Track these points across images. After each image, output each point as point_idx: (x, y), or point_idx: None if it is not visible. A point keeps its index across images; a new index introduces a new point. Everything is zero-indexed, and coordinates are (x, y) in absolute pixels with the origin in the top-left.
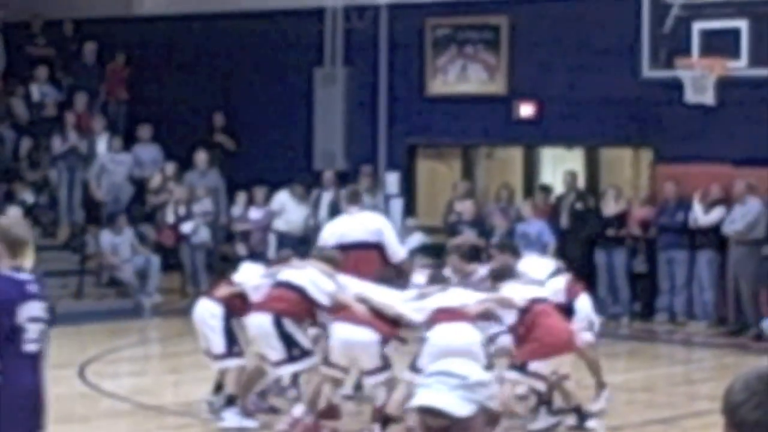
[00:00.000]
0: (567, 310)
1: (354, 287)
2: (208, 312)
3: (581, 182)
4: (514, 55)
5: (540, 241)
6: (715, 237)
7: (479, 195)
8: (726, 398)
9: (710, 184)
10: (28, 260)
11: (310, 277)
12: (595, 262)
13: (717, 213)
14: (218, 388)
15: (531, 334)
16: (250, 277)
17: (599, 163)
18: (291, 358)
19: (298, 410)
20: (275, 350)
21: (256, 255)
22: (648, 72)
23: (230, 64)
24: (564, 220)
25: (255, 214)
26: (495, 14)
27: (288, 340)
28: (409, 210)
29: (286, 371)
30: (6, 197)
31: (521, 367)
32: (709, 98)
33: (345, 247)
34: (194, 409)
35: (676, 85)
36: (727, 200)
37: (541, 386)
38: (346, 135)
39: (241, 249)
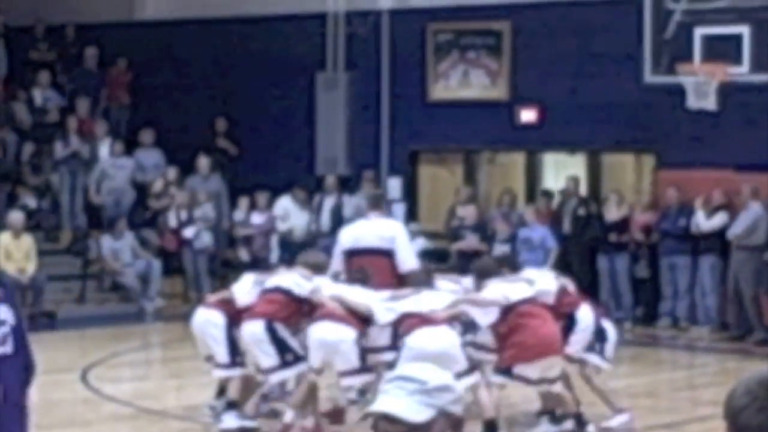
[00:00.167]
0: (569, 319)
1: (329, 289)
2: (208, 321)
3: (583, 188)
4: (516, 61)
5: (543, 247)
6: (717, 242)
7: (481, 200)
8: (728, 403)
9: (712, 190)
10: None
11: (292, 279)
12: (598, 268)
13: (719, 218)
14: (221, 392)
15: (515, 335)
16: (245, 288)
17: (601, 168)
18: (284, 364)
19: (289, 416)
20: (269, 356)
21: (259, 260)
22: (650, 78)
23: (232, 69)
24: (566, 226)
25: (257, 219)
26: (497, 20)
27: (281, 346)
28: (412, 215)
29: (280, 377)
30: (8, 202)
31: (506, 370)
32: (710, 104)
33: (358, 252)
34: (196, 414)
35: (678, 91)
36: (730, 206)
37: (527, 388)
38: (348, 140)
39: (243, 254)
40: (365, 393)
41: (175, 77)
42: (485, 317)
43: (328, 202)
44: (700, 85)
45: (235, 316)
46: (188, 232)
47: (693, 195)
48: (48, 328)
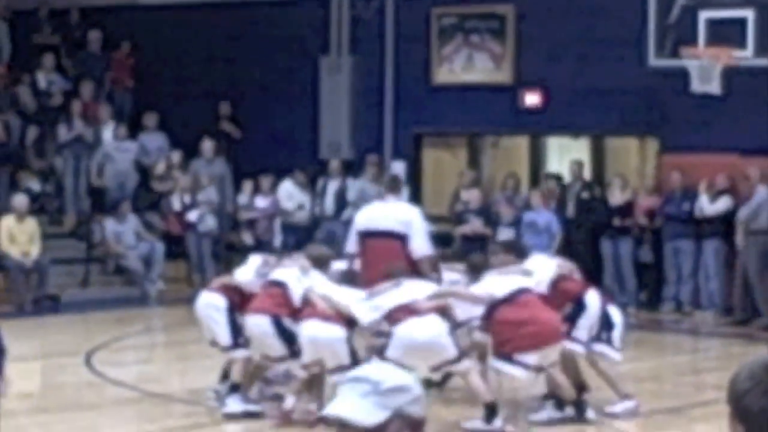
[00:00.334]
0: (577, 305)
1: (320, 287)
2: (210, 305)
3: (587, 172)
4: (520, 44)
5: (548, 231)
6: (721, 226)
7: (485, 184)
8: (731, 387)
9: (716, 174)
10: None
11: (293, 274)
12: (601, 252)
13: (723, 203)
14: (225, 376)
15: (513, 325)
16: (249, 273)
17: (605, 152)
18: (293, 354)
19: (290, 401)
20: (276, 349)
21: (262, 243)
22: (654, 61)
23: (236, 52)
24: (570, 210)
25: (261, 202)
26: (501, 3)
27: (288, 338)
28: (415, 199)
29: (289, 366)
30: (12, 185)
31: (507, 356)
32: (715, 88)
33: (372, 234)
34: (201, 397)
35: (683, 75)
36: (733, 190)
37: (524, 375)
38: (351, 124)
39: (247, 237)
40: None
41: (179, 61)
42: (467, 313)
43: (332, 186)
44: (705, 68)
45: (237, 301)
46: (192, 216)
47: (697, 179)
48: (52, 311)
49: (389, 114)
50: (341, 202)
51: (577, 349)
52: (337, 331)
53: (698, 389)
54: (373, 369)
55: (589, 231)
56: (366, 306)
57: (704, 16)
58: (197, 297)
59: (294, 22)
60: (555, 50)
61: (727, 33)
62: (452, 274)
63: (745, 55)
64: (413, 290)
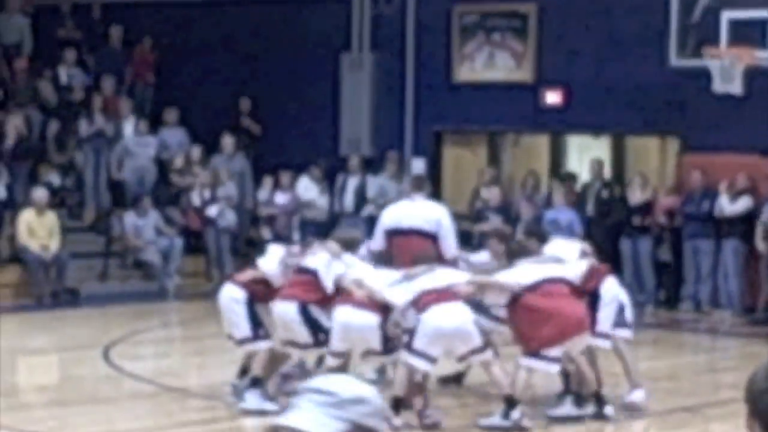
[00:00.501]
0: (592, 295)
1: (354, 270)
2: (231, 298)
3: (607, 171)
4: (541, 43)
5: (570, 230)
6: (741, 226)
7: (505, 182)
8: (749, 386)
9: (737, 174)
10: None
11: (323, 261)
12: (621, 251)
13: (743, 203)
14: (244, 371)
15: (538, 317)
16: (273, 262)
17: (626, 151)
18: (318, 343)
19: None
20: (302, 336)
21: (282, 239)
22: (676, 61)
23: (257, 48)
24: (590, 208)
25: (281, 198)
26: (523, 2)
27: (314, 326)
28: (435, 196)
29: (314, 354)
30: (32, 179)
31: (535, 353)
32: (736, 88)
33: (400, 232)
34: (218, 392)
35: (704, 75)
36: (754, 190)
37: (556, 369)
38: (372, 121)
39: (266, 233)
40: (383, 372)
41: (199, 56)
42: (496, 298)
43: (352, 183)
44: (726, 68)
45: (261, 293)
46: (211, 211)
47: (717, 179)
48: (71, 305)
49: (410, 111)
50: (361, 199)
51: (603, 345)
52: (371, 318)
53: (716, 388)
54: (330, 380)
55: (608, 230)
56: (400, 288)
57: (726, 16)
58: (220, 290)
59: (315, 18)
60: (576, 49)
61: (749, 33)
62: (481, 255)
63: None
64: (447, 276)
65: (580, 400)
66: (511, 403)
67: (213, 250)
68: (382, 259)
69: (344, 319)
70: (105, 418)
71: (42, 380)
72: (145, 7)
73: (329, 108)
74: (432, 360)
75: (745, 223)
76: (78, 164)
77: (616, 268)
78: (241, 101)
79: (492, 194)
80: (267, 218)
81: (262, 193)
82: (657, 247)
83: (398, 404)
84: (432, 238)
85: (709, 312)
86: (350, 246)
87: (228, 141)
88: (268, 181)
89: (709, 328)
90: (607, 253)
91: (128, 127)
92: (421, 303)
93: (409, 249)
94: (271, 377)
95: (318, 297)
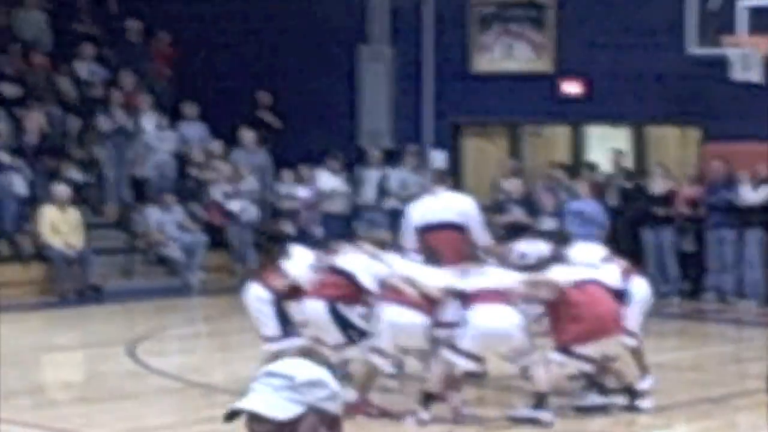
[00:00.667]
0: (620, 295)
1: (400, 268)
2: (256, 297)
3: (629, 161)
4: (560, 33)
5: (595, 222)
6: (763, 215)
7: (526, 173)
8: None
9: (758, 162)
10: None
11: (361, 262)
12: (643, 241)
13: (765, 191)
14: None
15: (576, 315)
16: (302, 267)
17: (646, 141)
18: (350, 341)
19: (350, 394)
20: (332, 335)
21: (303, 233)
22: (695, 49)
23: (275, 42)
24: (611, 199)
25: (302, 192)
26: None
27: (344, 324)
28: (456, 188)
29: (348, 354)
30: (53, 175)
31: (566, 349)
32: (756, 76)
33: (430, 228)
34: (243, 387)
35: (723, 63)
36: None
37: (588, 368)
38: (391, 113)
39: (288, 227)
40: (403, 367)
41: (218, 51)
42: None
43: (373, 176)
44: (746, 56)
45: (286, 294)
46: (234, 206)
47: (739, 168)
48: (95, 301)
49: (429, 103)
50: (382, 191)
51: (631, 342)
52: (419, 318)
53: (741, 378)
54: (286, 364)
55: (630, 220)
56: (454, 286)
57: (745, 4)
58: (243, 287)
59: (333, 11)
60: (595, 39)
61: (767, 21)
62: (539, 245)
63: None
64: (501, 276)
65: (603, 390)
66: (541, 401)
67: (235, 245)
68: (430, 257)
69: (392, 318)
70: (131, 415)
71: (67, 377)
72: (163, 1)
73: (348, 101)
74: (476, 359)
75: None
76: (99, 160)
77: (639, 259)
78: (260, 95)
79: (513, 186)
80: (288, 212)
81: (283, 187)
82: (680, 237)
83: (428, 399)
84: (461, 229)
85: (734, 302)
86: (383, 246)
87: (248, 135)
88: (288, 175)
89: (733, 318)
90: (629, 244)
91: (148, 122)
92: (469, 301)
93: (443, 243)
94: None
95: (346, 296)
